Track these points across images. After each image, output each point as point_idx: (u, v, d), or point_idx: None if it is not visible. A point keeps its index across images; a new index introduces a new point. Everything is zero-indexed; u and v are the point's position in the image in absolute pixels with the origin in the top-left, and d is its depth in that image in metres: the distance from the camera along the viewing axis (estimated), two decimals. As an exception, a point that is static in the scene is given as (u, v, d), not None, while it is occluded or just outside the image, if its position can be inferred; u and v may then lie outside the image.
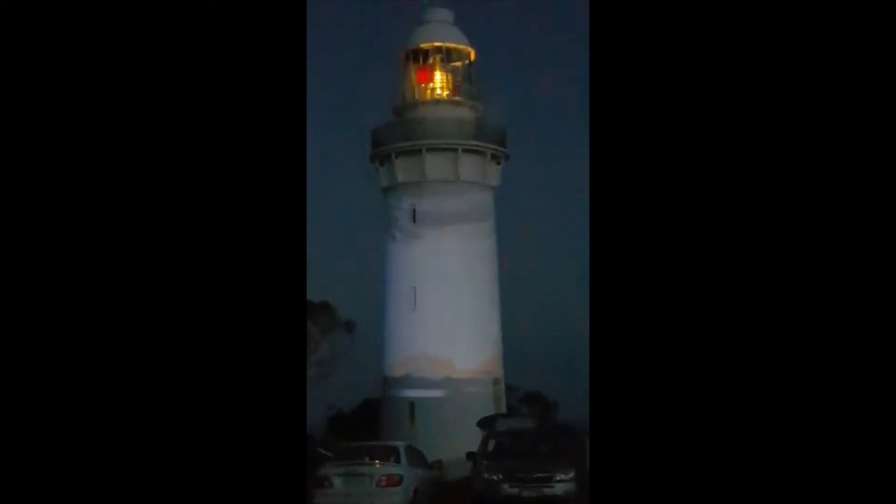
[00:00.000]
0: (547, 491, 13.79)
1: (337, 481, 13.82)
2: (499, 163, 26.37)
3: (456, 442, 18.84)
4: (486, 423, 17.65)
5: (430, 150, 25.42)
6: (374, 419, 25.66)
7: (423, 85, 26.26)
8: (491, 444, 15.89)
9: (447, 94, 26.15)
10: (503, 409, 24.41)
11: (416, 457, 15.47)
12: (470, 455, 16.34)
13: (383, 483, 13.71)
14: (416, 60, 26.42)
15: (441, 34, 26.35)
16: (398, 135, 25.94)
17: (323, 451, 15.97)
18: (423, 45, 26.14)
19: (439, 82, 26.12)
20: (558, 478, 13.72)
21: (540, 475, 14.00)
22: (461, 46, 26.45)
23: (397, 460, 14.35)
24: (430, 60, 26.14)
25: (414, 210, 25.52)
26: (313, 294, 28.16)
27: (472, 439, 17.14)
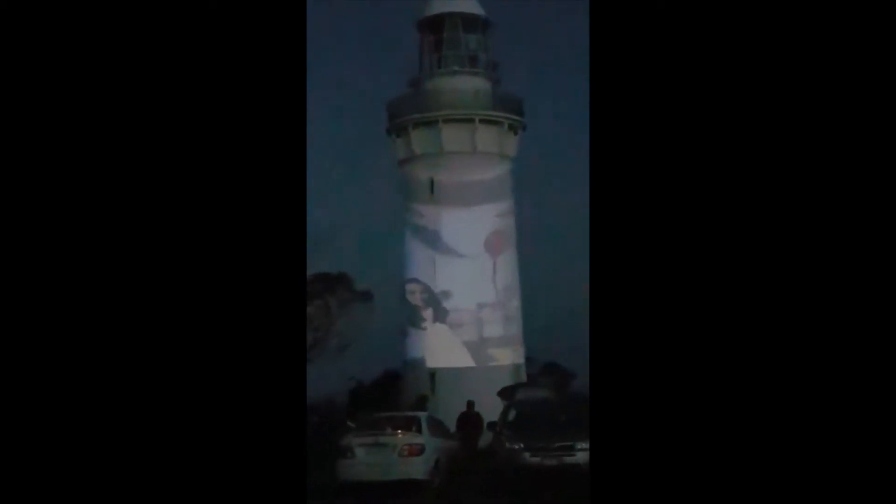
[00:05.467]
0: (568, 460, 13.81)
1: (359, 451, 13.91)
2: (516, 133, 26.27)
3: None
4: (506, 394, 17.71)
5: (447, 121, 25.35)
6: (394, 390, 25.81)
7: (438, 55, 26.14)
8: (511, 414, 15.94)
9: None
10: (523, 380, 24.49)
11: (437, 427, 15.57)
12: (490, 425, 16.41)
13: (405, 453, 13.79)
14: (431, 30, 26.27)
15: (456, 3, 26.16)
16: (414, 106, 25.85)
17: (350, 424, 16.09)
18: (439, 14, 25.98)
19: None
20: (579, 447, 13.74)
21: (561, 444, 14.04)
22: (477, 15, 26.27)
23: (419, 430, 14.44)
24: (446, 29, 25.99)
25: (432, 181, 25.49)
26: (331, 266, 28.30)
27: (492, 409, 17.21)
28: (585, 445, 13.22)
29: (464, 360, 24.80)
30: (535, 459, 14.04)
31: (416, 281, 25.63)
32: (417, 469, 13.75)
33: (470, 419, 18.26)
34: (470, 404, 18.77)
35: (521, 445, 14.25)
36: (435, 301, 25.23)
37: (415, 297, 25.56)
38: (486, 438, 17.15)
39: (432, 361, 24.90)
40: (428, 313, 25.36)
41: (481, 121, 25.45)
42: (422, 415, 15.88)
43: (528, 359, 26.99)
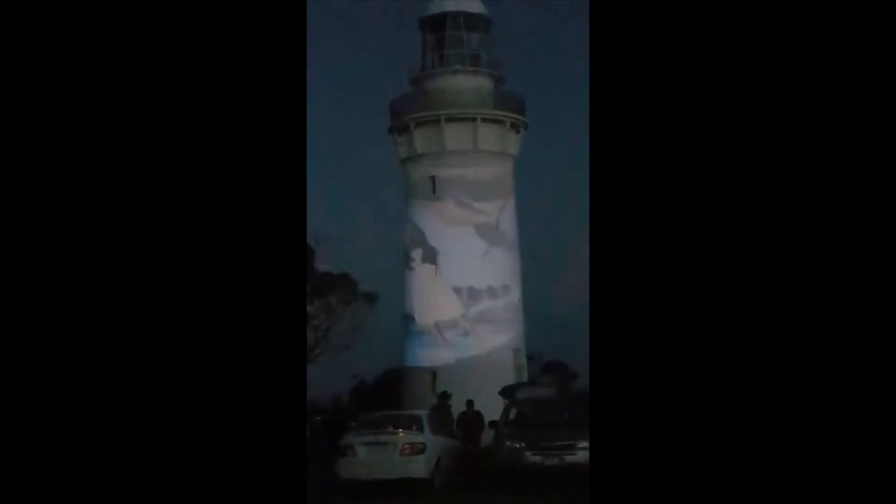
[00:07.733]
0: (569, 458, 13.82)
1: (360, 450, 13.90)
2: (518, 132, 26.28)
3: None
4: (507, 392, 17.71)
5: (449, 119, 25.37)
6: (396, 389, 25.83)
7: (440, 54, 26.15)
8: (513, 413, 15.95)
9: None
10: (525, 379, 24.51)
11: (438, 426, 15.56)
12: (492, 424, 16.41)
13: (406, 451, 13.77)
14: (433, 29, 26.28)
15: (458, 2, 26.16)
16: (417, 105, 25.87)
17: (352, 423, 16.07)
18: (441, 13, 25.99)
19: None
20: (580, 445, 13.74)
21: (562, 443, 14.04)
22: (479, 13, 26.27)
23: (420, 429, 14.40)
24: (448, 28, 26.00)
25: (434, 180, 25.50)
26: (334, 266, 28.36)
27: (494, 408, 17.21)
28: (586, 444, 13.22)
29: (465, 359, 24.78)
30: (536, 458, 14.05)
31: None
32: (418, 468, 13.73)
33: (469, 418, 18.28)
34: (469, 403, 18.78)
35: (522, 444, 14.25)
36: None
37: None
38: (487, 437, 17.16)
39: (434, 361, 24.88)
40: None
41: (483, 119, 25.47)
42: (423, 413, 15.86)
43: (530, 357, 27.02)
